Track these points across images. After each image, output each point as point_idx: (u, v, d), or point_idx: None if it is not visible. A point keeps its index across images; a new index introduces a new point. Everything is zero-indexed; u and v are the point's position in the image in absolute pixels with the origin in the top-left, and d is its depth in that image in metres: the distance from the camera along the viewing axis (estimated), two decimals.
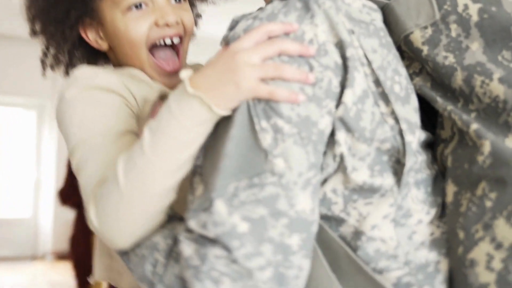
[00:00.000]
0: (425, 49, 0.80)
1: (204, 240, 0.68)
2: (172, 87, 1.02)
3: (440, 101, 0.80)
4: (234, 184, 0.69)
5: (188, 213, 0.72)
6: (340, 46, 0.75)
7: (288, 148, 0.70)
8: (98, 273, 1.04)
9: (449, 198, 0.78)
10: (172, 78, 1.02)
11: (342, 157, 0.74)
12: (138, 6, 0.99)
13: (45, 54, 1.08)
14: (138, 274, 0.78)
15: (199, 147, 0.76)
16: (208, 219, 0.68)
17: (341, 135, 0.73)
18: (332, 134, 0.74)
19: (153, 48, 1.02)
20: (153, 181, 0.74)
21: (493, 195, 0.73)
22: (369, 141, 0.74)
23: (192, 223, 0.70)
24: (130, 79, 0.98)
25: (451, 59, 0.78)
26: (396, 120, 0.76)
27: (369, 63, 0.76)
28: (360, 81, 0.74)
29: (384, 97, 0.76)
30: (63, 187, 3.77)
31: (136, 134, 0.91)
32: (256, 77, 0.72)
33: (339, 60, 0.74)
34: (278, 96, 0.71)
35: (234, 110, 0.74)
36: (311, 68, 0.73)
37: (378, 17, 0.82)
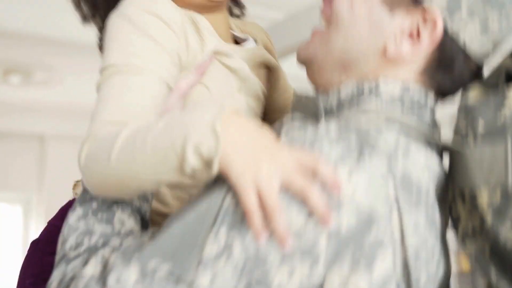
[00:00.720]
0: (489, 217, 0.72)
1: (103, 277, 0.66)
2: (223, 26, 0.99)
3: (494, 278, 0.73)
4: (158, 262, 0.66)
5: (123, 248, 0.70)
6: (368, 219, 0.66)
7: (223, 272, 0.65)
8: None
9: None
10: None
11: None
12: None
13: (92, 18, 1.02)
14: (66, 228, 0.77)
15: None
16: (117, 270, 0.66)
17: None
18: None
19: None
20: (138, 171, 0.71)
21: None
22: None
23: (113, 256, 0.68)
24: (190, 23, 0.91)
25: None
26: None
27: (404, 245, 0.68)
28: (383, 262, 0.67)
29: (408, 286, 0.69)
30: None
31: (170, 87, 0.84)
32: (259, 188, 0.65)
33: (345, 229, 0.65)
34: (251, 222, 0.65)
35: (212, 191, 0.68)
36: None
37: (435, 180, 0.76)
